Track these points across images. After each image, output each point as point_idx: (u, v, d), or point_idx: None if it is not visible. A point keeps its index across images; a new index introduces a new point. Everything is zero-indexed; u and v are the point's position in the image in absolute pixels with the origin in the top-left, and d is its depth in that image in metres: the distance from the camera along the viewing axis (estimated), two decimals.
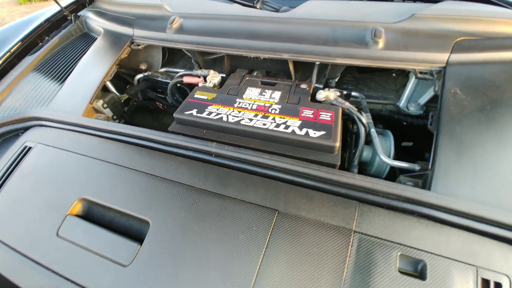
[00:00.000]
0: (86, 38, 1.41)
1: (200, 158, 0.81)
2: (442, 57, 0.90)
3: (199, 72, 1.16)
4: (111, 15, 1.40)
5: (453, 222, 0.62)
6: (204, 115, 0.88)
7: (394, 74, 1.23)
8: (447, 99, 0.82)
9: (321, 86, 1.14)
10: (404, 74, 1.21)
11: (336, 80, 1.16)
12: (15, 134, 1.03)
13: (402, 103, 1.09)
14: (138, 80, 1.37)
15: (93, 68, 1.17)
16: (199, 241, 0.65)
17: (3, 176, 0.87)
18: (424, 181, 0.73)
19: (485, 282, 0.56)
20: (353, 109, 0.93)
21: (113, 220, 0.75)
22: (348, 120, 1.07)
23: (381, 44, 0.95)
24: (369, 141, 0.95)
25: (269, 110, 0.88)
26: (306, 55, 1.00)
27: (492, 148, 0.71)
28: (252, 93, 0.97)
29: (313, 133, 0.78)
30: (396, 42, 0.95)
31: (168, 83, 1.24)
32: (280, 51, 1.03)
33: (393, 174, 0.93)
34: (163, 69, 1.39)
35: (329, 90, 0.97)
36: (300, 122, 0.83)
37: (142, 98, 1.48)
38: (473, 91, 0.82)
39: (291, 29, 1.07)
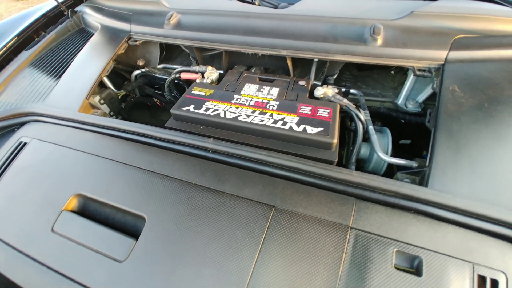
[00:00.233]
0: (83, 34, 1.39)
1: (197, 154, 0.80)
2: (441, 54, 0.90)
3: (196, 68, 1.15)
4: (109, 10, 1.39)
5: (450, 219, 0.62)
6: (201, 111, 0.87)
7: (392, 72, 1.23)
8: (445, 97, 0.82)
9: (320, 83, 1.14)
10: (402, 72, 1.21)
11: (335, 77, 1.16)
12: (11, 129, 1.02)
13: (400, 100, 1.09)
14: (136, 76, 1.36)
15: (89, 63, 1.16)
16: (195, 237, 0.64)
17: None
18: (421, 178, 0.73)
19: (482, 279, 0.56)
20: (351, 106, 0.92)
21: (109, 216, 0.74)
22: (346, 117, 1.07)
23: (379, 41, 0.94)
24: (367, 139, 0.95)
25: (267, 107, 0.88)
26: (304, 52, 1.00)
27: (489, 146, 0.71)
28: (250, 89, 0.97)
29: (311, 130, 0.78)
30: (395, 39, 0.95)
31: (166, 79, 1.23)
32: (279, 47, 1.02)
33: (390, 172, 0.93)
34: (160, 65, 1.38)
35: (327, 87, 0.96)
36: (298, 118, 0.82)
37: (140, 94, 1.47)
38: (471, 89, 0.82)
39: (289, 25, 1.07)
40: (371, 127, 0.90)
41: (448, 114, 0.78)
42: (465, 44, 0.91)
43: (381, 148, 0.86)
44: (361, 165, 1.00)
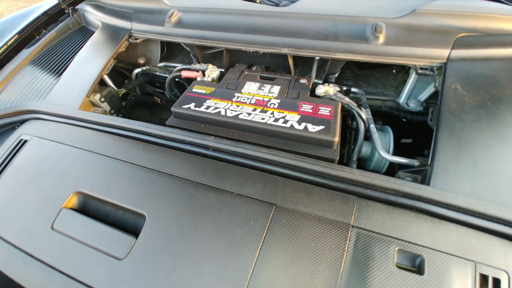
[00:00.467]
0: (84, 32, 1.39)
1: (198, 152, 0.80)
2: (443, 53, 0.89)
3: (197, 66, 1.15)
4: (109, 8, 1.39)
5: (452, 218, 0.62)
6: (202, 109, 0.87)
7: (394, 71, 1.22)
8: (448, 95, 0.81)
9: (321, 82, 1.13)
10: (404, 71, 1.20)
11: (336, 75, 1.15)
12: (11, 127, 1.02)
13: (402, 99, 1.09)
14: (136, 74, 1.35)
15: (90, 61, 1.16)
16: (195, 235, 0.64)
17: None
18: (423, 176, 0.72)
19: (484, 278, 0.55)
20: (353, 104, 0.92)
21: (109, 214, 0.74)
22: (347, 116, 1.06)
23: (381, 39, 0.94)
24: (368, 137, 0.94)
25: (268, 105, 0.87)
26: (306, 50, 0.99)
27: (492, 144, 0.71)
28: (251, 87, 0.96)
29: (312, 128, 0.78)
30: (397, 37, 0.95)
31: (167, 77, 1.22)
32: (280, 45, 1.02)
33: (392, 171, 0.92)
34: (161, 64, 1.38)
35: (328, 85, 0.96)
36: (299, 116, 0.82)
37: (140, 92, 1.46)
38: (474, 88, 0.82)
39: (291, 23, 1.06)
40: (372, 126, 0.89)
41: (450, 112, 0.78)
42: (468, 42, 0.90)
43: (382, 147, 0.86)
44: (362, 164, 0.99)
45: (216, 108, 0.87)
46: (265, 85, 0.97)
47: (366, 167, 0.97)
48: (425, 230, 0.61)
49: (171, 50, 1.48)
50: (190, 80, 1.18)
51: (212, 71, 1.08)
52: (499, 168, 0.67)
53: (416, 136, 1.10)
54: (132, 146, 0.84)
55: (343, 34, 0.99)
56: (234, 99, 0.90)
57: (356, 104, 0.93)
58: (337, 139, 0.76)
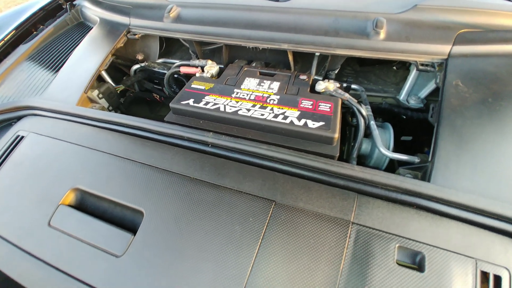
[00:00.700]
0: (82, 28, 1.38)
1: (196, 148, 0.79)
2: (444, 49, 0.88)
3: (196, 62, 1.14)
4: (108, 4, 1.37)
5: (453, 214, 0.61)
6: (201, 105, 0.86)
7: (394, 68, 1.21)
8: (449, 91, 0.81)
9: (321, 78, 1.12)
10: (404, 67, 1.19)
11: (336, 72, 1.14)
12: (8, 123, 1.01)
13: (402, 96, 1.08)
14: (135, 70, 1.34)
15: (88, 57, 1.15)
16: (194, 232, 0.64)
17: None
18: (423, 173, 0.71)
19: (484, 275, 0.55)
20: (353, 101, 0.91)
21: (107, 210, 0.73)
22: (347, 113, 1.05)
23: (382, 35, 0.93)
24: (368, 134, 0.93)
25: (268, 101, 0.87)
26: (306, 46, 0.98)
27: (493, 141, 0.70)
28: (250, 83, 0.96)
29: (312, 124, 0.77)
30: (398, 33, 0.94)
31: (165, 73, 1.21)
32: (280, 41, 1.01)
33: (392, 168, 0.92)
34: (160, 60, 1.37)
35: (328, 81, 0.95)
36: (298, 112, 0.81)
37: (139, 89, 1.45)
38: (475, 84, 0.81)
39: (291, 19, 1.05)
40: (372, 122, 0.88)
41: (451, 109, 0.77)
42: (469, 38, 0.89)
43: (382, 144, 0.85)
44: (362, 161, 0.98)
45: (215, 104, 0.86)
46: (264, 81, 0.96)
47: (366, 164, 0.97)
48: (426, 227, 0.60)
49: (170, 46, 1.46)
50: (189, 76, 1.17)
51: (211, 67, 1.07)
52: (500, 165, 0.67)
53: (416, 133, 1.09)
54: (130, 142, 0.83)
55: (344, 29, 0.98)
56: (233, 95, 0.90)
57: (356, 101, 0.92)
58: (337, 135, 0.75)
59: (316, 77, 1.13)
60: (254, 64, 1.18)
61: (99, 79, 1.28)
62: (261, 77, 0.99)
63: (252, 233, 0.62)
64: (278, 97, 0.88)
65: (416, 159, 0.78)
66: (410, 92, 1.07)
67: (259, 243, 0.61)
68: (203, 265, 0.59)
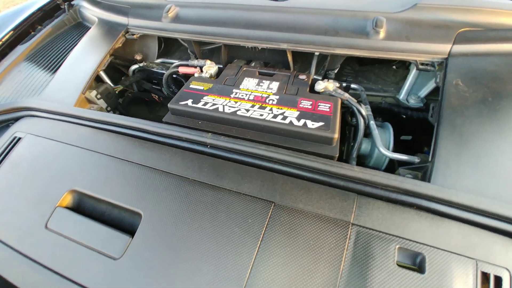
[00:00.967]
0: (80, 28, 1.37)
1: (195, 149, 0.78)
2: (444, 48, 0.88)
3: (195, 62, 1.13)
4: (106, 4, 1.37)
5: (453, 215, 0.61)
6: (199, 105, 0.85)
7: (394, 67, 1.21)
8: (449, 91, 0.80)
9: (320, 78, 1.12)
10: (404, 67, 1.18)
11: (336, 71, 1.14)
12: (5, 124, 1.00)
13: (402, 95, 1.07)
14: (133, 71, 1.34)
15: (86, 58, 1.14)
16: (192, 234, 0.63)
17: None
18: (423, 173, 0.71)
19: (485, 276, 0.54)
20: (353, 100, 0.91)
21: (104, 212, 0.72)
22: (347, 112, 1.05)
23: (382, 34, 0.92)
24: (368, 134, 0.93)
25: (267, 101, 0.86)
26: (305, 45, 0.98)
27: (493, 141, 0.70)
28: (249, 83, 0.95)
29: (311, 124, 0.76)
30: (398, 32, 0.93)
31: (164, 74, 1.21)
32: (279, 41, 1.00)
33: (392, 168, 0.91)
34: (159, 60, 1.36)
35: (328, 81, 0.94)
36: (298, 113, 0.81)
37: (138, 89, 1.45)
38: (475, 83, 0.81)
39: (290, 18, 1.04)
40: (372, 122, 0.88)
41: (451, 108, 0.76)
42: (469, 37, 0.89)
43: (382, 143, 0.84)
44: (362, 161, 0.98)
45: (214, 104, 0.85)
46: (263, 81, 0.96)
47: (365, 164, 0.96)
48: (426, 227, 0.60)
49: (168, 46, 1.46)
50: (187, 77, 1.16)
51: (210, 67, 1.07)
52: (501, 164, 0.66)
53: (416, 133, 1.09)
54: (128, 143, 0.83)
55: (343, 29, 0.97)
56: (232, 95, 0.89)
57: (356, 100, 0.92)
58: (336, 135, 0.74)
59: (315, 76, 1.12)
60: (253, 64, 1.17)
61: (97, 79, 1.28)
62: (260, 77, 0.98)
63: (251, 235, 0.62)
64: (277, 97, 0.88)
65: (416, 159, 0.77)
66: (410, 92, 1.07)
67: (258, 245, 0.60)
68: (202, 267, 0.59)
